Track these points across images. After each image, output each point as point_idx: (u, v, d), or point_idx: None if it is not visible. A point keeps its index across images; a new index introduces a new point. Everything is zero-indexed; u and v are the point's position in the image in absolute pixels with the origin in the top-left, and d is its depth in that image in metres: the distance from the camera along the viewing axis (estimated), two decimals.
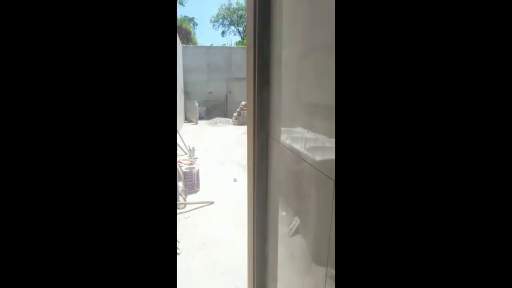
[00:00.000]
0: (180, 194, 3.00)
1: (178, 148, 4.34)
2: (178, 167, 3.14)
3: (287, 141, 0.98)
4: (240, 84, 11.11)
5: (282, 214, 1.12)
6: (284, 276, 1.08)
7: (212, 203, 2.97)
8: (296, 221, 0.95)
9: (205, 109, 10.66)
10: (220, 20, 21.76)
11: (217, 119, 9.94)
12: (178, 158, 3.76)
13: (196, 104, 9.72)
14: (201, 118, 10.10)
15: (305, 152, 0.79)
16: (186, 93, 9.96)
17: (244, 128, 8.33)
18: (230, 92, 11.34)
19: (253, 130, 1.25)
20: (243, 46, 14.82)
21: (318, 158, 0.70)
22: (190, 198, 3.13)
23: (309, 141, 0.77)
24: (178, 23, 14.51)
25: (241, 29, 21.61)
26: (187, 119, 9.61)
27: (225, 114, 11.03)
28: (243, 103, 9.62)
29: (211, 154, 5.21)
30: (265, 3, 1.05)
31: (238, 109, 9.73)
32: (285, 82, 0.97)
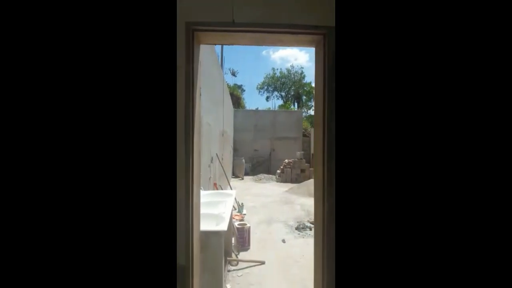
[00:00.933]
0: (233, 250, 3.10)
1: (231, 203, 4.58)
2: (232, 222, 3.33)
3: None
4: (282, 143, 11.78)
5: None
6: None
7: (263, 263, 2.97)
8: None
9: (250, 165, 11.28)
10: (265, 87, 24.55)
11: (261, 175, 10.39)
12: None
13: (243, 160, 10.45)
14: (246, 173, 10.66)
15: None
16: (235, 150, 10.85)
17: (287, 186, 8.40)
18: (273, 150, 11.97)
19: (322, 196, 1.42)
20: (285, 110, 16.32)
21: None
22: (242, 255, 3.19)
23: None
24: (230, 91, 16.86)
25: (283, 94, 23.88)
26: (234, 174, 10.20)
27: (269, 170, 11.43)
28: (286, 160, 9.96)
29: (258, 211, 5.32)
30: (331, 89, 1.33)
31: (281, 166, 10.03)
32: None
